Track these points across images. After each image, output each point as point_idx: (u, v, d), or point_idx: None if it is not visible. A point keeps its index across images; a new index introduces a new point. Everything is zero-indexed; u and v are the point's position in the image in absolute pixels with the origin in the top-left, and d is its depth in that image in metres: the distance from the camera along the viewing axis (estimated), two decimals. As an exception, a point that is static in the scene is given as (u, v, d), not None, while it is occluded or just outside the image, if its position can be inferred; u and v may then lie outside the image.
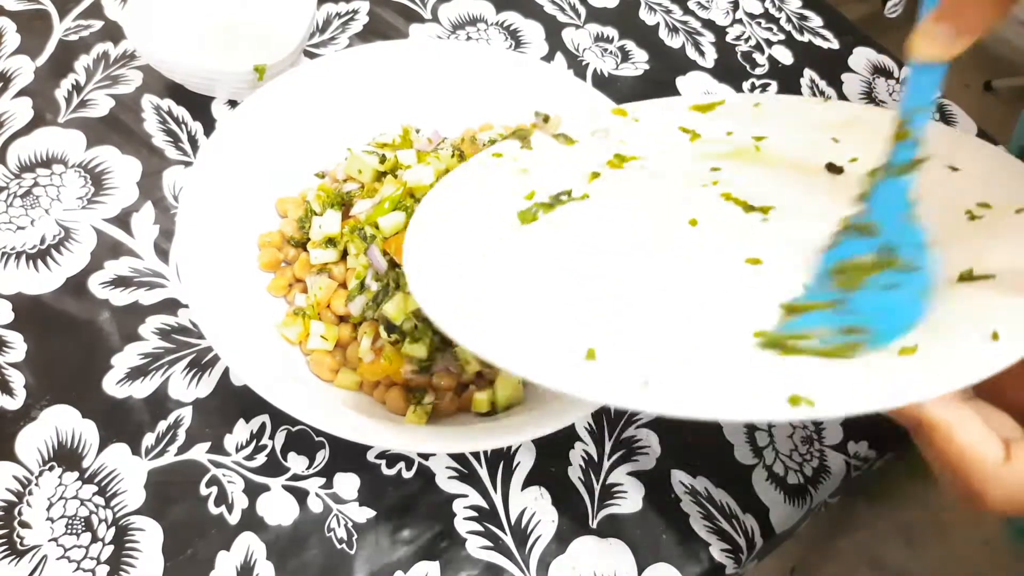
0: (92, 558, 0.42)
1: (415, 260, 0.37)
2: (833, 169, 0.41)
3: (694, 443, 0.49)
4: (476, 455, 0.47)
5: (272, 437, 0.46)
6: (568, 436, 0.48)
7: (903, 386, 0.26)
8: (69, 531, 0.42)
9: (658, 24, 0.73)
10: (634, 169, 0.44)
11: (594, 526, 0.46)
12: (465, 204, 0.42)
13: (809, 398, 0.26)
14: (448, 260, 0.37)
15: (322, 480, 0.45)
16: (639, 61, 0.70)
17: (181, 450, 0.45)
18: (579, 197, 0.42)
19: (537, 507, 0.46)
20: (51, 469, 0.44)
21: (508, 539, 0.45)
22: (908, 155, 0.31)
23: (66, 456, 0.44)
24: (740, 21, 0.75)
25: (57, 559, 0.41)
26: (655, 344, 0.32)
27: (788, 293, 0.33)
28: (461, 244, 0.39)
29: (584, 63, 0.68)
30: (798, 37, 0.74)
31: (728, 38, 0.73)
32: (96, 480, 0.44)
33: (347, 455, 0.46)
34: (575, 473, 0.47)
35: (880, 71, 0.73)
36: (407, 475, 0.46)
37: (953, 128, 0.41)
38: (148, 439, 0.45)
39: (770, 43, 0.73)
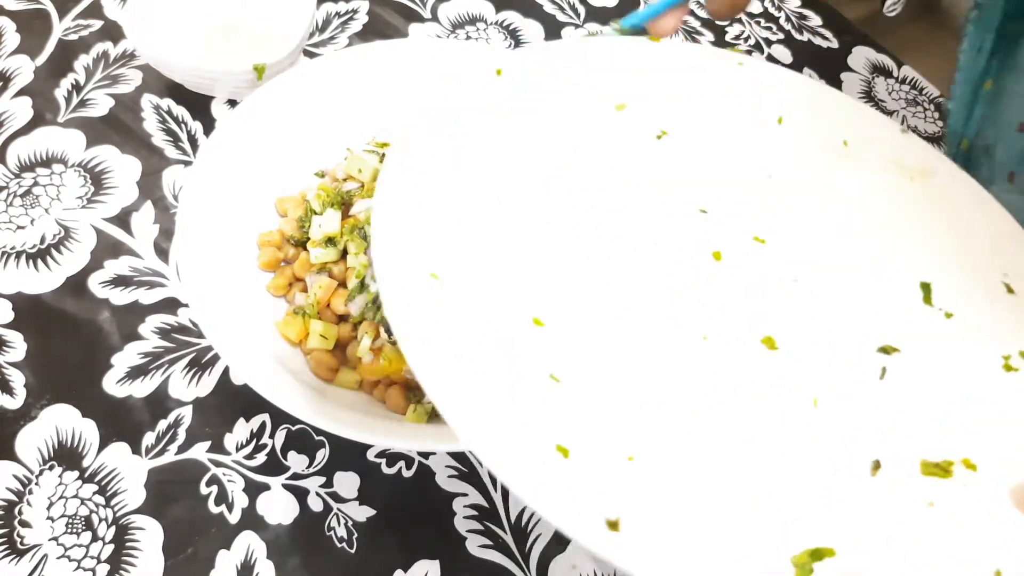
0: (92, 557, 0.42)
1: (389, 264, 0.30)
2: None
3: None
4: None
5: (272, 436, 0.46)
6: (568, 435, 0.48)
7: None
8: (69, 530, 0.42)
9: (657, 23, 0.73)
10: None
11: (594, 525, 0.46)
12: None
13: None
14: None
15: (322, 479, 0.45)
16: (638, 60, 0.69)
17: (181, 449, 0.45)
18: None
19: (537, 506, 0.46)
20: (51, 468, 0.44)
21: (508, 538, 0.45)
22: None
23: (66, 455, 0.44)
24: (739, 20, 0.75)
25: (57, 558, 0.41)
26: (635, 464, 0.27)
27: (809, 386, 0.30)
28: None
29: (584, 62, 0.68)
30: (797, 36, 0.74)
31: (727, 37, 0.73)
32: (96, 479, 0.44)
33: (347, 454, 0.46)
34: (575, 472, 0.47)
35: (879, 70, 0.73)
36: (407, 474, 0.46)
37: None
38: (148, 438, 0.45)
39: (769, 42, 0.73)
